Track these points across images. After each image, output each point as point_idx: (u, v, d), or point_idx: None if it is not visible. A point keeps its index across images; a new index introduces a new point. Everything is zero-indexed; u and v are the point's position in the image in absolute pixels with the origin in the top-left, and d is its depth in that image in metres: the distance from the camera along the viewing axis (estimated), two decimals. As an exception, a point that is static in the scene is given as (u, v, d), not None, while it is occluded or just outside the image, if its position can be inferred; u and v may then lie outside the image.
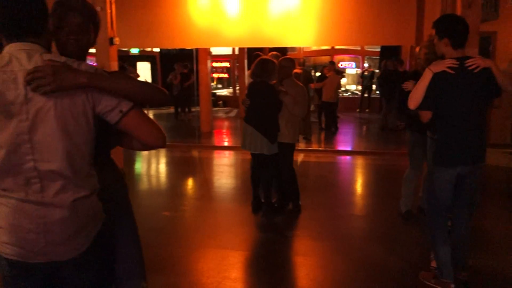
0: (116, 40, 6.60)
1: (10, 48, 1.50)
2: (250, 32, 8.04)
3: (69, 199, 1.53)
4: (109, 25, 6.50)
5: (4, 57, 1.48)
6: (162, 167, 7.96)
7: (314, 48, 15.44)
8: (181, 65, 12.08)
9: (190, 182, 6.70)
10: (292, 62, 4.90)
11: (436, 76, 2.92)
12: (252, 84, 4.76)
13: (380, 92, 12.12)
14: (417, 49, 4.23)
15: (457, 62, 2.91)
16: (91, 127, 1.56)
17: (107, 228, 1.72)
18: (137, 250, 2.06)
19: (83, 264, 1.62)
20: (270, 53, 5.42)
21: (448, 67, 2.89)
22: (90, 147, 1.59)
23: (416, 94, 2.99)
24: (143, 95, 1.61)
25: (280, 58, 4.96)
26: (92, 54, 13.86)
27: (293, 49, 14.81)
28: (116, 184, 1.94)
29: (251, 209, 4.90)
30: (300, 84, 4.90)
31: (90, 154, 1.59)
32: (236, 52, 14.97)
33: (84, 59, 1.79)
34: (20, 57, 1.48)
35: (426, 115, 3.03)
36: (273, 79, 4.67)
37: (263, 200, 4.88)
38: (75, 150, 1.53)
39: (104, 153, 1.87)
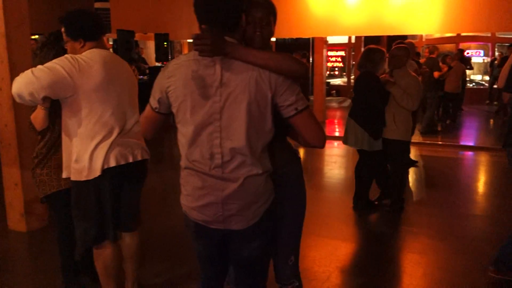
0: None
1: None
2: (369, 20, 7.82)
3: (243, 175, 1.72)
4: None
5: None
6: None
7: (437, 35, 14.49)
8: (300, 54, 11.95)
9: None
10: (405, 50, 4.53)
11: None
12: (358, 75, 4.60)
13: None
14: None
15: None
16: (269, 112, 1.71)
17: (275, 207, 1.88)
18: (296, 229, 2.19)
19: (250, 235, 1.83)
20: (407, 41, 5.13)
21: None
22: (267, 130, 1.74)
23: (503, 73, 3.09)
24: (277, 66, 1.67)
25: (393, 47, 4.71)
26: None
27: (413, 36, 14.06)
28: (289, 166, 2.03)
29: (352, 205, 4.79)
30: (414, 74, 4.55)
31: (265, 136, 1.75)
32: (353, 40, 14.66)
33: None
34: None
35: (505, 96, 3.10)
36: (379, 70, 4.41)
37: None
38: (253, 132, 1.70)
39: (280, 137, 1.95)
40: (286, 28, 8.56)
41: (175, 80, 1.71)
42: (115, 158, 2.45)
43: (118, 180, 2.53)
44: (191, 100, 1.69)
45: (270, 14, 1.85)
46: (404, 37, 12.39)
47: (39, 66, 2.26)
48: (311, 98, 11.69)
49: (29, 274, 3.51)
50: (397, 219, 4.54)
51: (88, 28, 2.48)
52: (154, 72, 11.34)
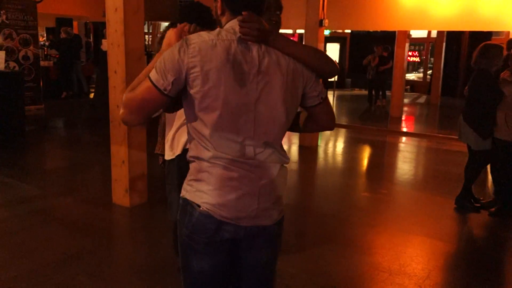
0: (326, 22, 6.83)
1: (235, 23, 1.57)
2: (462, 13, 7.47)
3: (276, 165, 1.62)
4: (320, 7, 6.75)
5: (238, 31, 1.55)
6: (354, 149, 8.06)
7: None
8: (382, 48, 11.59)
9: (383, 166, 6.67)
10: None
11: None
12: (473, 73, 4.41)
13: None
14: None
15: None
16: (297, 105, 1.67)
17: None
18: None
19: (272, 235, 1.68)
20: None
21: None
22: (290, 122, 1.67)
23: None
24: (312, 63, 1.62)
25: None
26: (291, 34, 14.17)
27: (497, 33, 13.30)
28: None
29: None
30: None
31: (287, 127, 1.69)
32: (433, 35, 14.12)
33: None
34: None
35: None
36: (494, 66, 4.21)
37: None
38: (287, 123, 1.64)
39: None
40: (373, 20, 8.39)
41: (204, 60, 1.49)
42: None
43: None
44: (225, 85, 1.51)
45: (280, 2, 1.87)
46: (489, 33, 11.81)
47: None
48: (388, 93, 11.43)
49: (131, 244, 3.77)
50: (497, 223, 4.37)
51: (193, 21, 2.62)
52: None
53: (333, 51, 15.99)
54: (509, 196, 4.40)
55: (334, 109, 12.04)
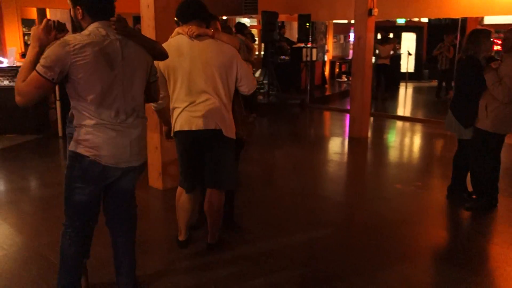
0: (375, 11, 6.69)
1: (100, 24, 2.20)
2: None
3: (140, 125, 2.40)
4: (369, -4, 6.63)
5: (102, 31, 2.18)
6: (407, 141, 7.81)
7: None
8: (452, 37, 10.88)
9: (431, 159, 6.42)
10: None
11: None
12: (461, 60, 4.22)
13: None
14: None
15: None
16: (146, 79, 2.45)
17: None
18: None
19: (137, 172, 2.51)
20: None
21: None
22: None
23: None
24: (148, 45, 2.45)
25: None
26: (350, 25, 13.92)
27: None
28: None
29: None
30: None
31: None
32: (518, 20, 13.00)
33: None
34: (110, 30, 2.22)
35: None
36: (482, 52, 3.94)
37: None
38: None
39: None
40: (435, 8, 8.06)
41: (84, 55, 2.08)
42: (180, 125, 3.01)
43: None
44: (100, 70, 2.13)
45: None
46: None
47: None
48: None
49: (161, 223, 4.11)
50: (495, 216, 4.16)
51: (192, 17, 3.08)
52: (295, 52, 11.56)
53: (409, 41, 15.29)
54: (492, 190, 4.19)
55: (403, 101, 11.68)
